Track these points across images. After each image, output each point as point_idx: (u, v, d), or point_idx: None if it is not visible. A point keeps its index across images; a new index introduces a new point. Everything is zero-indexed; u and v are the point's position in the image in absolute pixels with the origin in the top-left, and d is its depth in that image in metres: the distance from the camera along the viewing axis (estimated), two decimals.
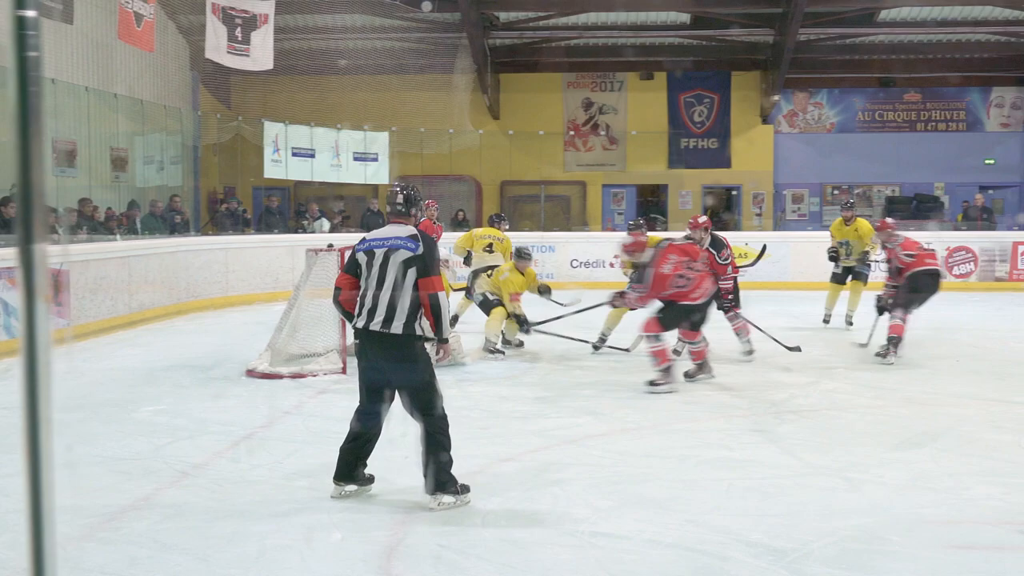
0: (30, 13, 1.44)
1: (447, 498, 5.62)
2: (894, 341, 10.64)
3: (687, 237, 10.76)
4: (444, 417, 5.72)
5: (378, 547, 5.00)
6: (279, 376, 9.80)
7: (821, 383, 9.70)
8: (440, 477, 5.63)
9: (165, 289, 15.28)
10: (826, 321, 14.03)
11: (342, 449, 5.87)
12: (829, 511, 5.55)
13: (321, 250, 10.55)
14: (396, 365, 5.70)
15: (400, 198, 6.01)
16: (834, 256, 14.21)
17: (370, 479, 5.94)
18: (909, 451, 7.05)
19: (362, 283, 5.81)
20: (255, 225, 21.86)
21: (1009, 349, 12.36)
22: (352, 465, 5.85)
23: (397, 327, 5.65)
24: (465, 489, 5.72)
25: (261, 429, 7.69)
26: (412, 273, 5.70)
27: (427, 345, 5.86)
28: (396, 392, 5.77)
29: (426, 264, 5.74)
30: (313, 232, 20.98)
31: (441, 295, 5.77)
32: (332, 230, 21.23)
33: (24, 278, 1.44)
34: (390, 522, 5.38)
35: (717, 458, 6.77)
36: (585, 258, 20.78)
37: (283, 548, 4.97)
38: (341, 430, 7.90)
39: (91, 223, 16.42)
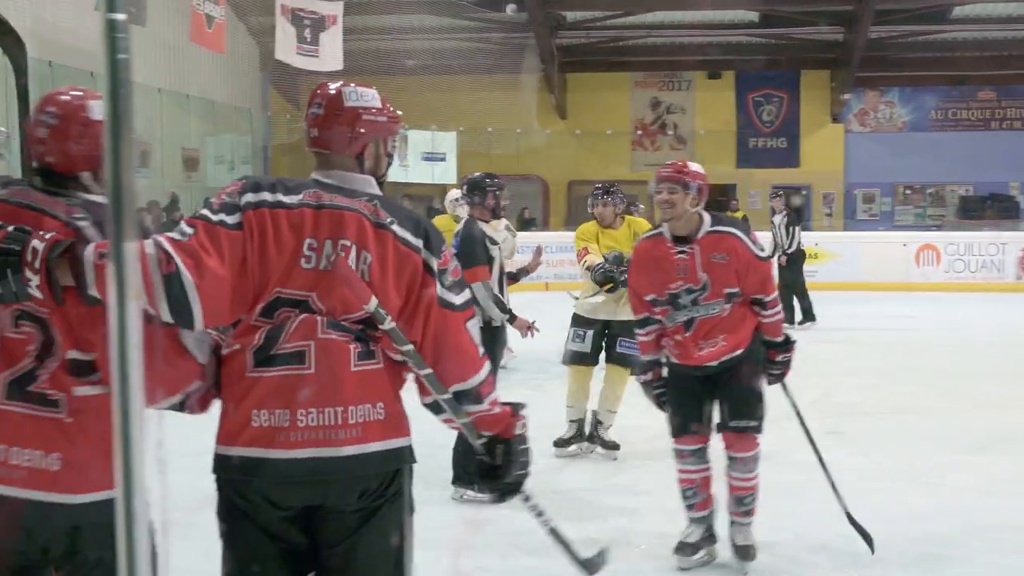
0: (120, 16, 1.47)
1: None
2: None
3: None
4: None
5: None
6: None
7: (889, 386, 9.57)
8: None
9: None
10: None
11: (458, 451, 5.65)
12: (901, 514, 5.50)
13: None
14: None
15: None
16: None
17: None
18: (981, 454, 6.95)
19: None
20: None
21: None
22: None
23: None
24: None
25: None
26: None
27: None
28: None
29: None
30: None
31: None
32: None
33: (116, 277, 1.47)
34: None
35: (790, 461, 6.70)
36: None
37: None
38: None
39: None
